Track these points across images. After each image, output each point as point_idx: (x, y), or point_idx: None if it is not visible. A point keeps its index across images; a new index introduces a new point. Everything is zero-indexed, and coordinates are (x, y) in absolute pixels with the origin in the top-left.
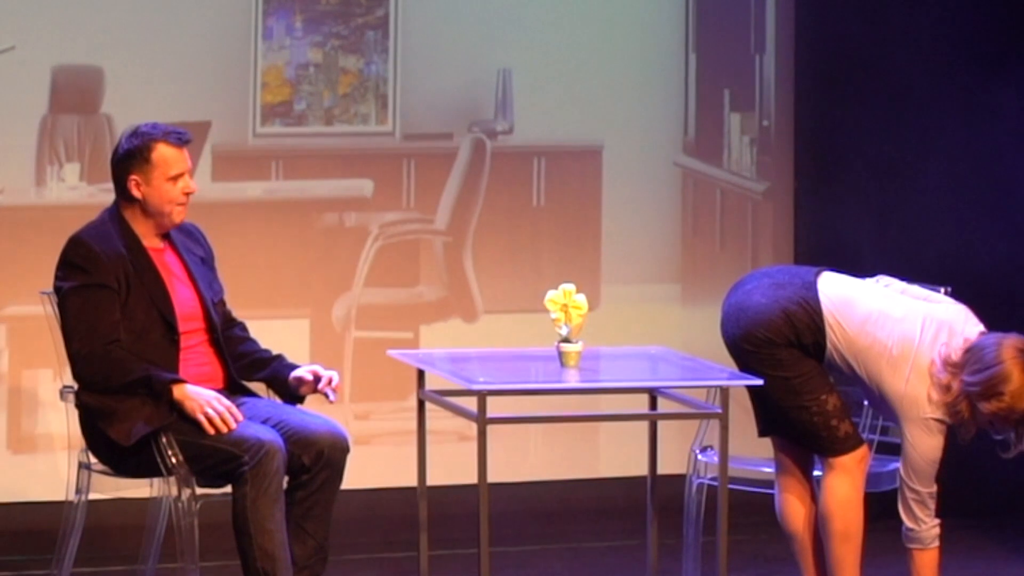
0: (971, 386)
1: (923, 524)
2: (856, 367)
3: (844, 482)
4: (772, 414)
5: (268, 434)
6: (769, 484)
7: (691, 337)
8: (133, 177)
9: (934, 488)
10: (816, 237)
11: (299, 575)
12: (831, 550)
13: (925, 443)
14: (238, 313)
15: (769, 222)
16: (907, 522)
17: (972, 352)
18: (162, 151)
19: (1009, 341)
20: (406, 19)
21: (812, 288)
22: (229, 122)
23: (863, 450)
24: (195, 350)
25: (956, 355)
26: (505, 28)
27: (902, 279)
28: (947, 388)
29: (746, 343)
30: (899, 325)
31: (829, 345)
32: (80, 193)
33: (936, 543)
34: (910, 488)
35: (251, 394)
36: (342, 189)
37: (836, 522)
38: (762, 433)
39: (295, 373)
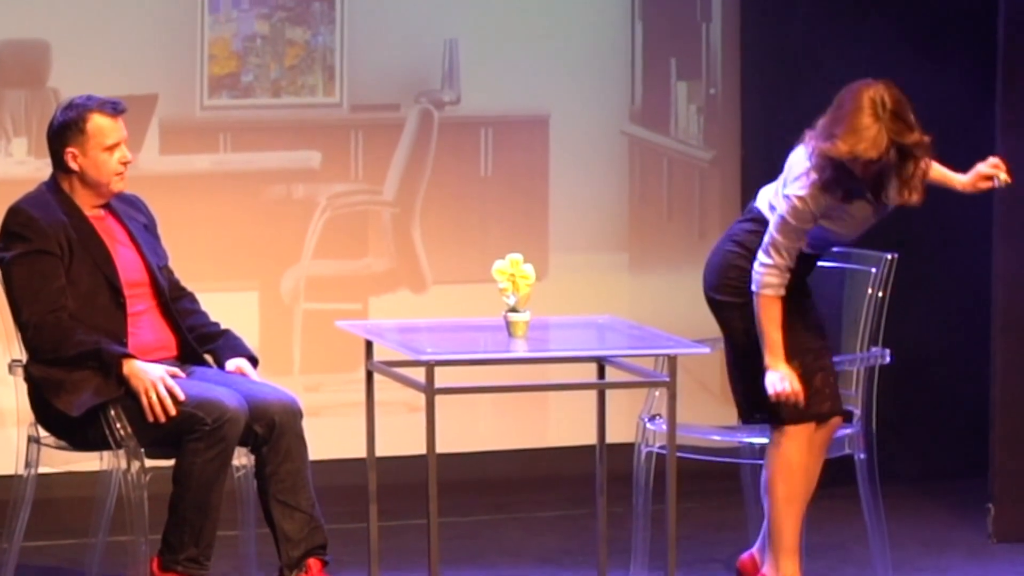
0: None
1: (766, 269)
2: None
3: (789, 448)
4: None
5: (232, 399)
6: (717, 452)
7: (639, 306)
8: (70, 149)
9: (793, 244)
10: None
11: (294, 550)
12: (772, 514)
13: (795, 205)
14: (187, 286)
15: (716, 190)
16: (755, 264)
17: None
18: (97, 121)
19: (865, 90)
20: None
21: (751, 206)
22: (176, 95)
23: (811, 425)
24: (145, 316)
25: None
26: None
27: (853, 249)
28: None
29: (713, 292)
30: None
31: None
32: (28, 168)
33: (770, 291)
34: (769, 235)
35: (203, 363)
36: (290, 161)
37: (780, 487)
38: (746, 419)
39: (229, 365)
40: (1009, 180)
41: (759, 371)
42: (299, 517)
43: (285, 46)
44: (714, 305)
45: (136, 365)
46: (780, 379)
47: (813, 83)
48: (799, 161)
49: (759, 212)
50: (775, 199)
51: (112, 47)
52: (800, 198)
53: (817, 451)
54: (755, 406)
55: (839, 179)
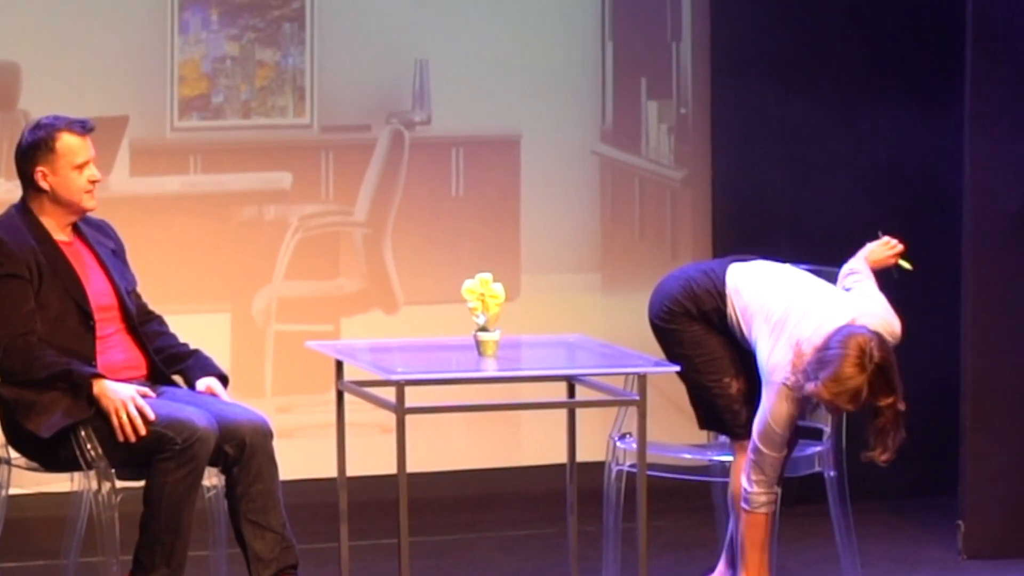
0: (809, 366)
1: (755, 487)
2: (744, 328)
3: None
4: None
5: (203, 419)
6: (688, 470)
7: (611, 326)
8: (40, 168)
9: (777, 455)
10: (734, 224)
11: (266, 570)
12: (739, 529)
13: (777, 408)
14: (158, 308)
15: (688, 210)
16: (743, 482)
17: (827, 338)
18: (66, 140)
19: (856, 338)
20: (322, 11)
21: (723, 263)
22: (146, 116)
23: None
24: (114, 338)
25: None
26: (421, 18)
27: (825, 267)
28: (797, 363)
29: (655, 319)
30: (796, 297)
31: (729, 310)
32: None
33: (764, 509)
34: (754, 448)
35: (173, 383)
36: (261, 182)
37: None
38: (703, 426)
39: (199, 385)
40: (909, 268)
41: (705, 388)
42: (270, 537)
43: (255, 67)
44: (654, 331)
45: (106, 385)
46: None
47: (783, 101)
48: (779, 363)
49: (724, 271)
50: (746, 309)
51: (82, 69)
52: (777, 419)
53: None
54: (709, 423)
55: (816, 406)
